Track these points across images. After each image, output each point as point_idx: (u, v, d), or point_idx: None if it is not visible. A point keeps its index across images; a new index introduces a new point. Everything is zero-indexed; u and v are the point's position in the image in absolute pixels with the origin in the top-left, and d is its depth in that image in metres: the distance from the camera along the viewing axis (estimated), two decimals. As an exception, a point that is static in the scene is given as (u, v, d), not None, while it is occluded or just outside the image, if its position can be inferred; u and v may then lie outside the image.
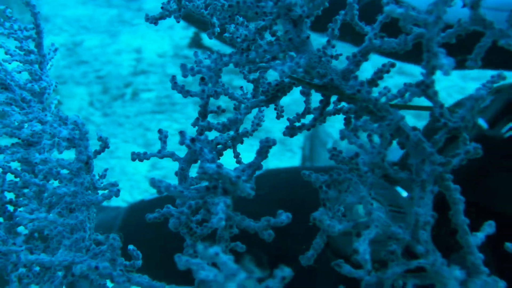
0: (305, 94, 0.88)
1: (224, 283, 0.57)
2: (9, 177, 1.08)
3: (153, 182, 0.71)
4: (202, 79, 0.76)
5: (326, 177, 0.74)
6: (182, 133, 0.77)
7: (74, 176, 0.85)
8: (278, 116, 0.92)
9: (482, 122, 1.69)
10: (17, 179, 1.07)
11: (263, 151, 0.73)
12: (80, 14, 6.71)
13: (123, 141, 4.54)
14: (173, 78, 0.85)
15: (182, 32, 6.23)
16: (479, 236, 0.71)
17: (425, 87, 0.67)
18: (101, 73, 5.53)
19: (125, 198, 3.87)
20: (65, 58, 5.67)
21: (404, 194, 1.82)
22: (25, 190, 1.06)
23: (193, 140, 0.73)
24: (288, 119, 0.87)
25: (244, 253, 0.79)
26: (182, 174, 0.85)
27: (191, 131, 0.78)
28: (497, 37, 0.67)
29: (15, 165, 1.09)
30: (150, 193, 4.06)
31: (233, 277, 0.55)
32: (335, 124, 4.74)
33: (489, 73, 1.02)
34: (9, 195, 1.08)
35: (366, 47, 0.75)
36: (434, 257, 0.67)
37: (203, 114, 0.86)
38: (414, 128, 0.70)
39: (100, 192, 0.87)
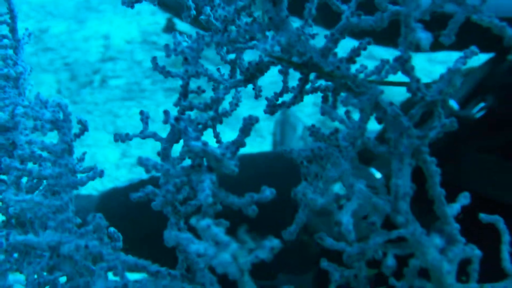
0: (283, 73, 0.89)
1: (214, 255, 0.59)
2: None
3: (141, 161, 0.72)
4: (185, 59, 0.77)
5: (308, 152, 0.77)
6: (166, 112, 0.78)
7: (58, 158, 0.86)
8: (257, 96, 0.94)
9: (453, 103, 1.72)
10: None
11: (246, 129, 0.75)
12: (46, 0, 6.64)
13: (92, 128, 4.52)
14: (154, 59, 0.86)
15: (150, 18, 6.20)
16: (455, 207, 0.73)
17: (403, 62, 0.69)
18: (68, 60, 5.49)
19: (95, 186, 3.87)
20: (32, 45, 5.62)
21: (378, 175, 1.86)
22: (3, 177, 1.07)
23: (177, 119, 0.75)
24: (266, 98, 0.89)
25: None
26: (164, 154, 0.86)
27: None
28: (470, 13, 0.69)
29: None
30: (121, 181, 4.06)
31: (226, 247, 0.57)
32: (304, 109, 4.78)
33: (455, 56, 1.05)
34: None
35: (344, 25, 0.77)
36: (414, 226, 0.69)
37: (184, 94, 0.87)
38: (391, 103, 0.72)
39: (79, 175, 0.88)
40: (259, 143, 4.53)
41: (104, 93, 5.08)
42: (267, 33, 0.89)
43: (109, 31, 6.01)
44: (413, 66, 0.70)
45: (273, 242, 0.58)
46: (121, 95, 5.04)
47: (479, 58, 1.84)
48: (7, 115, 1.04)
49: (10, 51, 1.11)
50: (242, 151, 0.84)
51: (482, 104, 1.65)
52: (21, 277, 0.98)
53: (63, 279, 0.93)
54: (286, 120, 3.85)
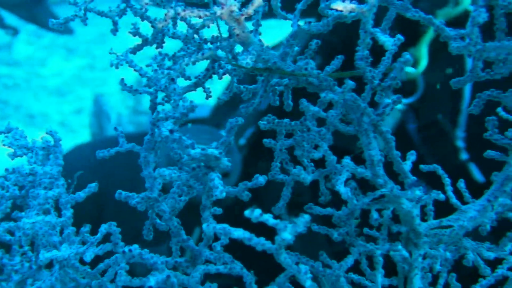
0: (235, 75, 1.03)
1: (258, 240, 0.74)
2: None
3: (159, 173, 0.85)
4: (172, 79, 0.90)
5: (290, 140, 0.93)
6: (159, 126, 0.91)
7: (56, 180, 0.95)
8: (207, 97, 1.07)
9: None
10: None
11: (232, 129, 0.90)
12: None
13: None
14: (122, 81, 0.97)
15: None
16: (408, 164, 0.93)
17: (363, 58, 0.87)
18: None
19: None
20: None
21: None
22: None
23: (171, 131, 0.89)
24: (218, 98, 1.04)
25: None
26: (145, 161, 0.98)
27: None
28: None
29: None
30: None
31: (284, 228, 0.72)
32: (111, 99, 4.86)
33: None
34: None
35: (296, 32, 0.93)
36: (391, 185, 0.88)
37: (154, 107, 1.00)
38: (348, 90, 0.90)
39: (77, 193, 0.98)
40: (72, 138, 4.55)
41: None
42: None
43: None
44: (368, 59, 0.88)
45: (306, 218, 0.73)
46: None
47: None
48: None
49: None
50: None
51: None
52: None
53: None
54: (100, 111, 3.94)
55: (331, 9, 0.90)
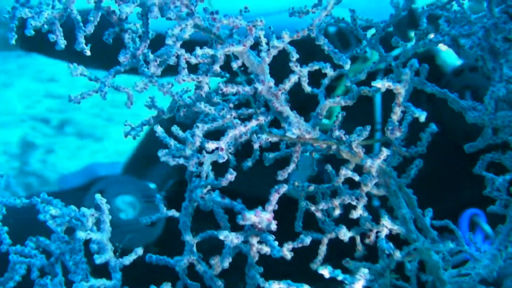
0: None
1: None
2: None
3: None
4: (222, 149, 0.99)
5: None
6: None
7: (105, 245, 1.02)
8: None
9: None
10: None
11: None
12: None
13: None
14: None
15: None
16: (427, 219, 1.05)
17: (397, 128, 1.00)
18: None
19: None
20: None
21: (152, 185, 2.18)
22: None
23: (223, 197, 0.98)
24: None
25: None
26: (184, 225, 1.06)
27: None
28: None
29: None
30: None
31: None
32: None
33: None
34: None
35: (324, 105, 1.04)
36: (422, 240, 0.99)
37: (191, 176, 1.07)
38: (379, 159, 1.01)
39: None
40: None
41: None
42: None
43: None
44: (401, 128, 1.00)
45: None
46: None
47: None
48: None
49: None
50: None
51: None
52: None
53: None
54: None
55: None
